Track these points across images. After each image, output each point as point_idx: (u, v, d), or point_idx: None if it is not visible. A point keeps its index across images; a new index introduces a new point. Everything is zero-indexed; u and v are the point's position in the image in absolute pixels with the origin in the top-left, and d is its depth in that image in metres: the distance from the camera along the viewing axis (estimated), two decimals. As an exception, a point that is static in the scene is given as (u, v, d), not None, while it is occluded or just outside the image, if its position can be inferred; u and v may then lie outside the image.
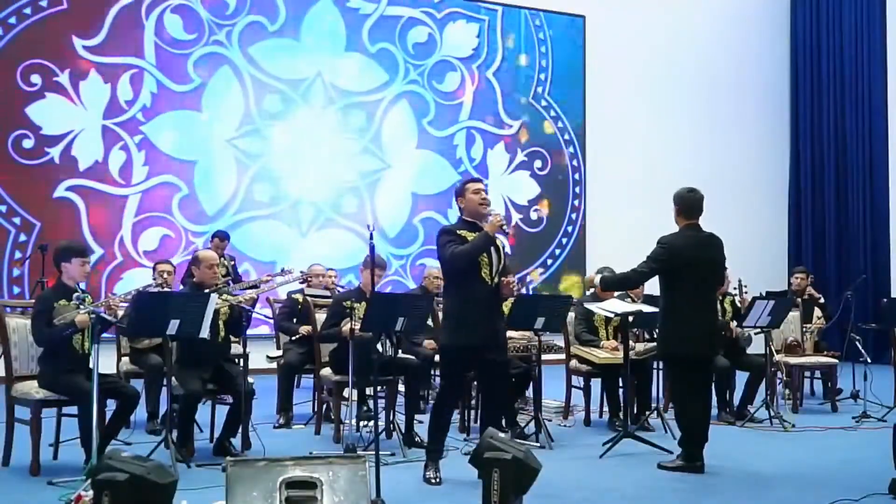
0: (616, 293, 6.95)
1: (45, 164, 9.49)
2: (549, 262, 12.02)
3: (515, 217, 11.64)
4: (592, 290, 7.01)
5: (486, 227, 4.80)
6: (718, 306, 7.12)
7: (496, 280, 4.92)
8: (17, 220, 9.30)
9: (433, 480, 4.85)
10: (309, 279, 7.34)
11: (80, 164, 9.63)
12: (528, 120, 11.94)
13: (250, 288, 6.69)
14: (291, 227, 10.63)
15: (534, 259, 11.84)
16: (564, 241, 12.09)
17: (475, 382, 6.10)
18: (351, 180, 10.92)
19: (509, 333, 5.76)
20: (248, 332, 6.06)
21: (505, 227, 4.83)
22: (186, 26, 10.11)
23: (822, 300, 8.77)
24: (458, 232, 4.89)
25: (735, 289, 7.54)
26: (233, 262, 9.24)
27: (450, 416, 5.14)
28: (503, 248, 5.04)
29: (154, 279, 6.56)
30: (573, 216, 12.15)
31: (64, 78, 9.55)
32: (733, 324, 7.22)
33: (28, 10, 9.41)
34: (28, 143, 9.42)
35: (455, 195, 5.11)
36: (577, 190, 12.17)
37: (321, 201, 10.76)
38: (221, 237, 9.13)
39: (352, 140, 10.94)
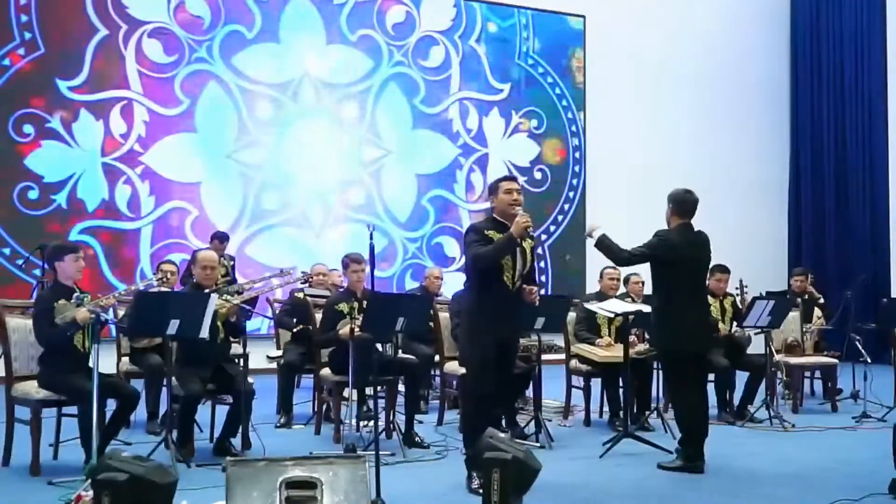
0: (616, 293, 6.98)
1: (54, 212, 9.45)
2: (560, 218, 11.99)
3: (521, 180, 11.62)
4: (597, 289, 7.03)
5: (512, 230, 4.67)
6: (718, 304, 7.15)
7: (518, 284, 4.84)
8: (36, 272, 9.11)
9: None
10: (311, 279, 7.33)
11: (87, 206, 9.60)
12: (517, 80, 11.87)
13: (248, 285, 6.66)
14: (304, 229, 10.61)
15: (541, 221, 11.65)
16: (571, 193, 12.05)
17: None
18: (354, 172, 10.91)
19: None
20: (249, 331, 6.04)
21: (531, 230, 4.72)
22: (166, 49, 10.01)
23: (821, 300, 8.77)
24: (485, 232, 4.79)
25: (735, 289, 7.53)
26: (232, 263, 9.23)
27: (494, 415, 4.90)
28: (530, 251, 4.91)
29: (156, 276, 6.50)
30: (576, 168, 12.14)
31: (56, 122, 9.49)
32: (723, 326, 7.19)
33: (7, 62, 9.33)
34: (33, 194, 9.38)
35: (488, 192, 5.01)
36: (577, 142, 12.15)
37: (329, 198, 10.75)
38: (221, 238, 9.12)
39: (349, 132, 10.91)
